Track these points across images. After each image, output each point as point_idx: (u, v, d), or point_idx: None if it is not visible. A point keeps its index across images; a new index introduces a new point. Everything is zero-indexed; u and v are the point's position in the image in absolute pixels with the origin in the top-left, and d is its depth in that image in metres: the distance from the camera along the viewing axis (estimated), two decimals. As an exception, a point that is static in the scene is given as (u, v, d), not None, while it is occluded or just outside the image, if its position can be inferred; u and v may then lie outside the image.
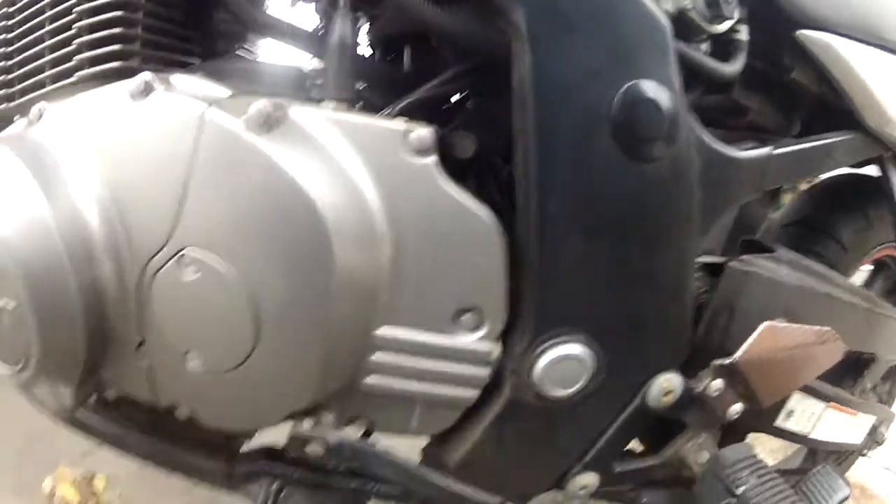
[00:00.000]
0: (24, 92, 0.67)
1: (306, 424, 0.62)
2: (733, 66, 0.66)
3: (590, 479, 0.69)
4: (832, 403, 0.82)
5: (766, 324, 0.69)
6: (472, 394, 0.62)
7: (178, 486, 1.11)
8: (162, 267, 0.55)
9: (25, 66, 0.67)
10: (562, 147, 0.57)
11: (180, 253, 0.54)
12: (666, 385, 0.65)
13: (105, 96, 0.55)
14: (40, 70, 0.65)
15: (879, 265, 1.08)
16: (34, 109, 0.59)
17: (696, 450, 0.72)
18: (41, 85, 0.65)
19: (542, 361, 0.61)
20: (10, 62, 0.69)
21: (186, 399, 0.62)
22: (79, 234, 0.55)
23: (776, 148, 0.67)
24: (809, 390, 0.80)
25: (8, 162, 0.56)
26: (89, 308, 0.56)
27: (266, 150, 0.53)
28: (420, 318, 0.59)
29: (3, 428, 1.24)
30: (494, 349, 0.60)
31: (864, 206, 0.92)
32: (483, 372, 0.61)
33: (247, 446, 0.75)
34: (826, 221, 0.92)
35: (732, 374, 0.68)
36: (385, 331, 0.59)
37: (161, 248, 0.55)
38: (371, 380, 0.61)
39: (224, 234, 0.54)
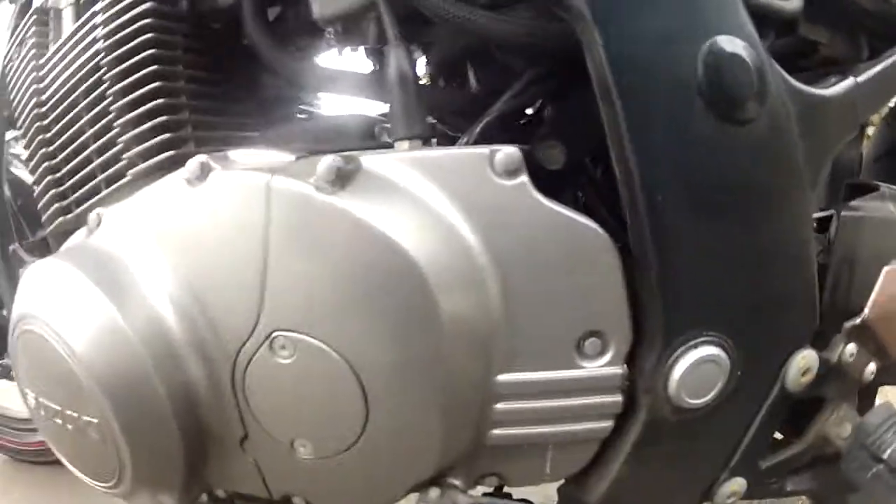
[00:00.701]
0: (79, 202, 0.63)
1: (433, 494, 0.55)
2: (794, 2, 0.60)
3: (737, 485, 0.63)
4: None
5: (886, 270, 0.63)
6: (606, 425, 0.56)
7: None
8: (254, 355, 0.50)
9: (75, 174, 0.63)
10: (656, 128, 0.51)
11: (271, 337, 0.49)
12: (803, 364, 0.60)
13: (162, 189, 0.51)
14: (91, 176, 0.61)
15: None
16: (92, 217, 0.55)
17: (838, 423, 0.66)
18: (96, 191, 0.61)
19: (677, 373, 0.55)
20: (58, 174, 0.65)
21: (300, 489, 0.57)
22: (158, 335, 0.50)
23: (858, 76, 0.62)
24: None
25: (70, 276, 0.51)
26: (181, 411, 0.51)
27: (344, 207, 0.47)
28: (540, 357, 0.53)
29: None
30: (622, 373, 0.54)
31: None
32: (614, 399, 0.55)
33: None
34: None
35: (863, 333, 0.63)
36: (505, 378, 0.53)
37: (250, 336, 0.49)
38: (497, 432, 0.55)
39: (314, 309, 0.49)
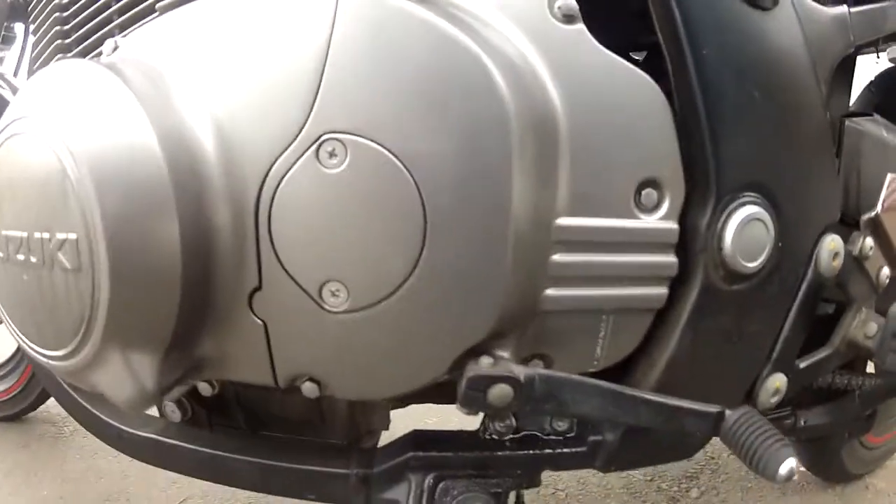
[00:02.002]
0: (80, 40, 0.58)
1: (485, 361, 0.49)
2: None
3: (780, 382, 0.61)
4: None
5: (890, 175, 0.67)
6: (661, 291, 0.53)
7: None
8: (292, 166, 0.43)
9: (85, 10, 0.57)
10: (701, 9, 0.53)
11: (320, 140, 0.43)
12: (833, 246, 0.60)
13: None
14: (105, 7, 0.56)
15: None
16: (108, 43, 0.49)
17: (863, 325, 0.66)
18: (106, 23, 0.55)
19: (730, 229, 0.54)
20: (66, 13, 0.59)
21: (317, 363, 0.48)
22: (183, 146, 0.43)
23: (852, 7, 0.68)
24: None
25: (96, 75, 0.44)
26: (189, 242, 0.42)
27: (419, 8, 0.44)
28: (601, 201, 0.50)
29: (70, 491, 1.01)
30: (676, 228, 0.52)
31: None
32: (670, 259, 0.53)
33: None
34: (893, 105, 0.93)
35: (878, 230, 0.65)
36: (566, 222, 0.49)
37: (292, 142, 0.43)
38: (551, 293, 0.50)
39: (378, 109, 0.43)
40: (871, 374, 0.82)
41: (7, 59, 1.39)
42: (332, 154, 0.43)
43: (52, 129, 0.43)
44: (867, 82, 0.99)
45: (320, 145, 0.43)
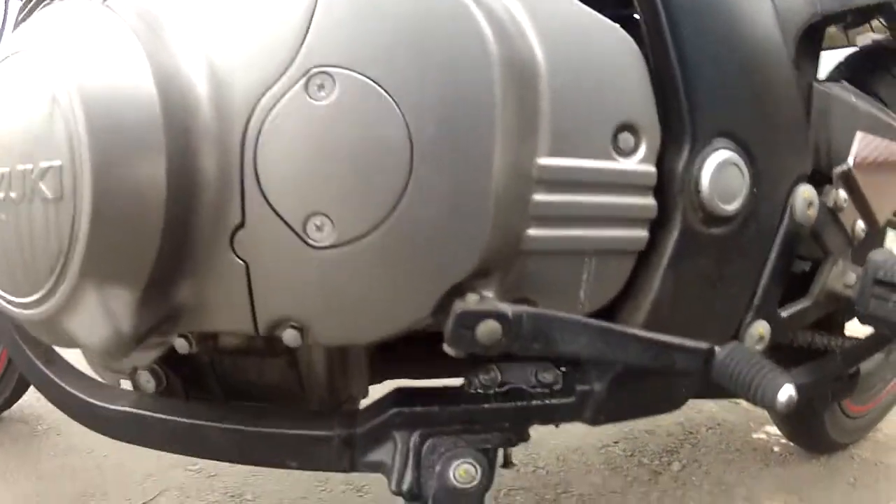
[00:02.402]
0: None
1: (471, 298, 0.48)
2: None
3: (763, 329, 0.61)
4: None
5: (859, 133, 0.69)
6: (642, 233, 0.54)
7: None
8: (279, 101, 0.43)
9: None
10: None
11: (309, 74, 0.43)
12: (807, 195, 0.62)
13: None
14: None
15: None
16: None
17: (841, 276, 0.68)
18: None
19: (706, 171, 0.55)
20: None
21: (299, 304, 0.46)
22: (177, 83, 0.43)
23: None
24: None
25: (97, 13, 0.44)
26: (175, 179, 0.42)
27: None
28: (580, 143, 0.51)
29: (45, 489, 0.97)
30: (654, 171, 0.53)
31: (893, 67, 0.98)
32: (648, 202, 0.53)
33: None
34: (863, 80, 0.96)
35: (851, 183, 0.67)
36: (547, 161, 0.49)
37: (281, 75, 0.43)
38: (533, 232, 0.50)
39: (365, 43, 0.44)
40: (849, 336, 0.82)
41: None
42: (320, 87, 0.43)
43: (45, 61, 0.43)
44: (836, 62, 1.03)
45: (310, 78, 0.43)
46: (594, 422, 0.58)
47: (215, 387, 0.60)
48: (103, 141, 0.40)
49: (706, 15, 0.57)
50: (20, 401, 1.20)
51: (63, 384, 0.61)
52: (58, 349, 0.65)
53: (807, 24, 0.67)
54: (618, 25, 0.53)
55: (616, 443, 1.09)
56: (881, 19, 0.92)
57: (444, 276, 0.47)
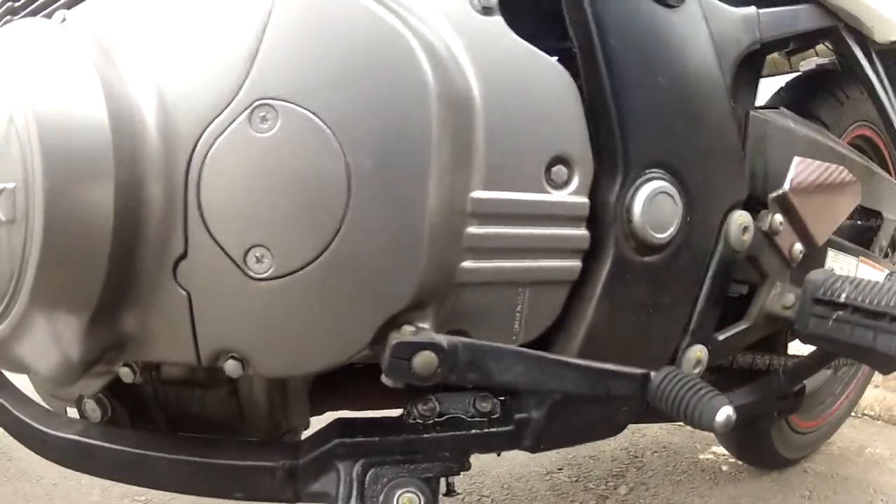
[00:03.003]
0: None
1: (407, 329, 0.49)
2: None
3: (700, 352, 0.63)
4: (861, 258, 0.87)
5: (796, 158, 0.71)
6: (575, 264, 0.55)
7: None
8: (223, 132, 0.44)
9: None
10: (610, 9, 0.57)
11: (253, 106, 0.44)
12: (741, 220, 0.64)
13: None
14: None
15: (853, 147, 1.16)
16: (55, 16, 0.49)
17: (779, 297, 0.70)
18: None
19: (638, 200, 0.56)
20: None
21: (240, 335, 0.47)
22: (126, 111, 0.44)
23: (760, 8, 0.72)
24: (840, 246, 0.83)
25: (53, 36, 0.45)
26: (122, 205, 0.43)
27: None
28: (513, 176, 0.52)
29: None
30: (586, 202, 0.55)
31: (835, 89, 1.02)
32: (581, 233, 0.55)
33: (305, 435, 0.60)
34: (805, 104, 0.99)
35: (787, 207, 0.69)
36: (480, 195, 0.51)
37: (226, 106, 0.44)
38: (468, 265, 0.51)
39: (308, 77, 0.45)
40: (791, 355, 0.85)
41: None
42: (263, 119, 0.44)
43: (3, 79, 0.43)
44: (777, 88, 1.06)
45: (253, 110, 0.44)
46: (534, 449, 0.59)
47: (159, 417, 0.60)
48: (56, 165, 0.41)
49: (641, 46, 0.59)
50: None
51: (13, 410, 0.61)
52: (7, 375, 0.66)
53: (746, 52, 0.69)
54: (554, 60, 0.55)
55: (560, 469, 1.10)
56: (826, 43, 0.95)
57: (381, 308, 0.48)
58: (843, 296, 0.62)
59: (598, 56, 0.56)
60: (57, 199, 0.41)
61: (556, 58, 0.58)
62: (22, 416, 0.61)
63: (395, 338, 0.48)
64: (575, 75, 0.56)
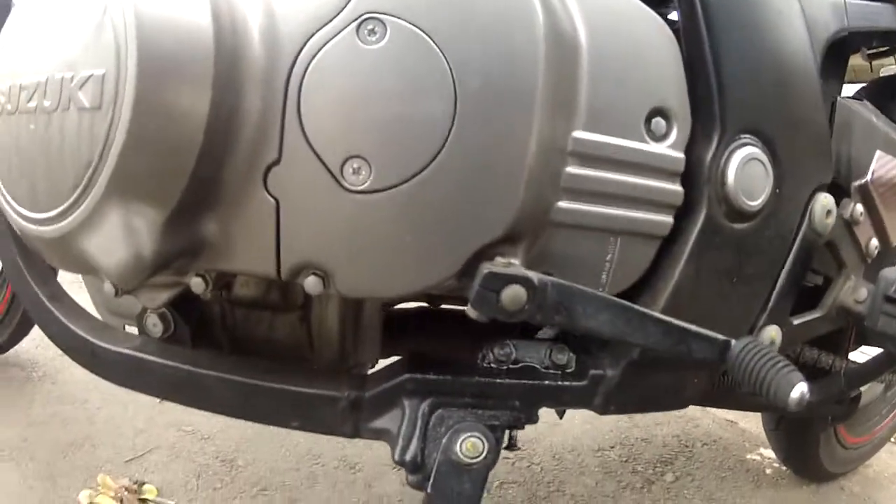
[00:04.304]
0: None
1: (500, 260, 0.48)
2: None
3: (774, 332, 0.62)
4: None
5: (879, 151, 0.70)
6: (667, 219, 0.54)
7: (246, 493, 0.87)
8: (331, 39, 0.43)
9: None
10: None
11: (361, 18, 0.43)
12: (826, 202, 0.62)
13: None
14: None
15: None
16: None
17: (853, 291, 0.68)
18: None
19: (732, 164, 0.55)
20: None
21: (326, 249, 0.46)
22: (233, 15, 0.43)
23: None
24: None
25: None
26: (217, 107, 0.42)
27: None
28: (615, 121, 0.51)
29: (34, 436, 0.96)
30: (683, 157, 0.54)
31: None
32: (676, 188, 0.54)
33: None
34: (883, 106, 0.97)
35: (868, 198, 0.68)
36: (582, 135, 0.50)
37: (334, 16, 0.43)
38: (563, 205, 0.50)
39: None
40: (854, 360, 0.83)
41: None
42: (371, 32, 0.44)
43: None
44: (857, 89, 1.05)
45: (361, 22, 0.43)
46: (603, 410, 0.57)
47: (223, 338, 0.59)
48: (151, 56, 0.40)
49: (740, 13, 0.58)
50: (18, 346, 1.18)
51: (66, 321, 0.60)
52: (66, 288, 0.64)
53: (834, 38, 0.69)
54: (657, 16, 0.54)
55: (612, 447, 1.09)
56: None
57: (476, 235, 0.47)
58: (918, 295, 0.61)
59: (700, 19, 0.55)
60: (149, 91, 0.40)
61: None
62: (73, 328, 0.59)
63: (486, 267, 0.47)
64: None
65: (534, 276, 0.48)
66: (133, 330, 0.60)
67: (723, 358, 0.53)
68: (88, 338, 0.58)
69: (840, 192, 0.67)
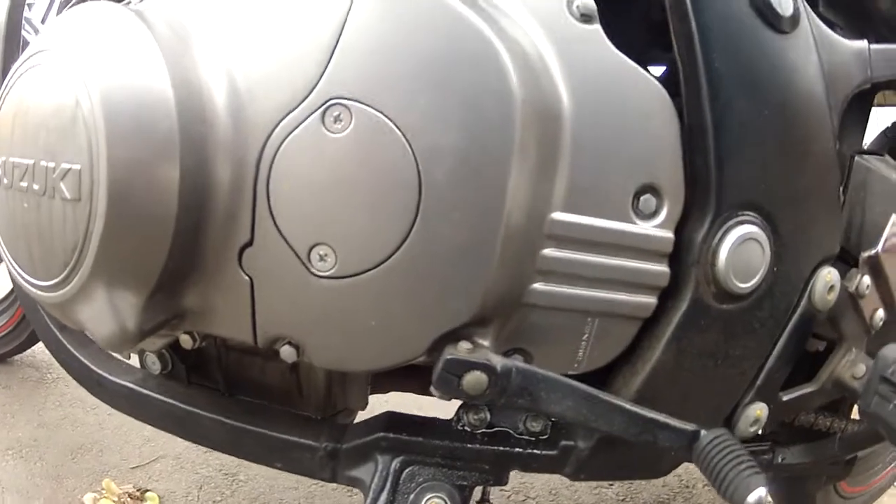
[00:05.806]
0: None
1: (463, 346, 0.49)
2: None
3: (760, 411, 0.60)
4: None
5: (894, 216, 0.66)
6: (650, 300, 0.53)
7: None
8: (298, 126, 0.44)
9: None
10: (719, 29, 0.53)
11: (326, 104, 0.44)
12: (829, 278, 0.60)
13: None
14: None
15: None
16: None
17: (851, 365, 0.65)
18: None
19: (725, 245, 0.53)
20: None
21: (298, 326, 0.48)
22: (196, 96, 0.44)
23: (871, 44, 0.67)
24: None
25: (121, 17, 0.46)
26: (188, 189, 0.43)
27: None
28: (599, 200, 0.50)
29: (44, 436, 1.03)
30: (671, 238, 0.52)
31: None
32: (662, 269, 0.53)
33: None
34: None
35: (877, 270, 0.64)
36: (561, 217, 0.49)
37: (300, 103, 0.44)
38: (538, 287, 0.50)
39: (386, 79, 0.44)
40: (854, 420, 0.81)
41: (36, 6, 1.42)
42: (337, 119, 0.44)
43: (71, 62, 0.45)
44: (884, 127, 0.99)
45: (327, 109, 0.44)
46: (574, 477, 0.58)
47: (219, 377, 0.62)
48: (120, 149, 0.42)
49: (747, 73, 0.55)
50: (34, 347, 1.25)
51: (73, 350, 0.64)
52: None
53: (855, 91, 0.65)
54: (654, 80, 0.52)
55: (611, 485, 1.09)
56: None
57: (441, 321, 0.48)
58: (915, 379, 0.58)
59: (702, 79, 0.52)
60: (121, 183, 0.42)
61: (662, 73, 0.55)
62: (82, 358, 0.64)
63: (448, 352, 0.48)
64: (674, 96, 0.52)
65: (498, 361, 0.49)
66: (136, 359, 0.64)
67: (689, 448, 0.53)
68: (94, 368, 0.62)
69: (846, 258, 0.65)
